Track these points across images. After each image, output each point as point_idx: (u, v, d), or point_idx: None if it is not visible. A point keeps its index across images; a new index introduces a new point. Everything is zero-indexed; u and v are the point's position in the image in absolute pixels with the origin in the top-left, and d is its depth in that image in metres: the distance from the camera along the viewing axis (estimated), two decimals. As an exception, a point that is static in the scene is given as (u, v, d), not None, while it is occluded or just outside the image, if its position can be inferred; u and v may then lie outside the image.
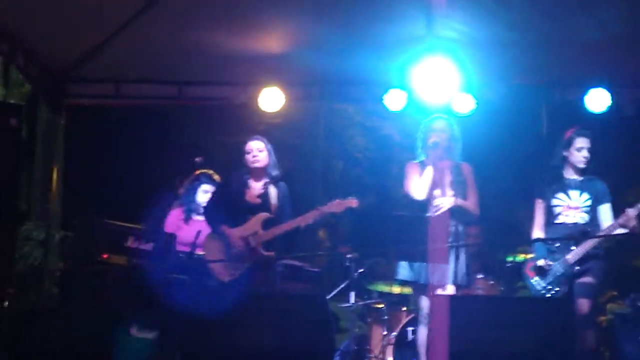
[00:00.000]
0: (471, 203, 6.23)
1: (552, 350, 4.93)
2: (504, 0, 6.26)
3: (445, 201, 6.07)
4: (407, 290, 7.74)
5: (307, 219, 6.47)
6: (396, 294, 7.87)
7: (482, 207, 6.29)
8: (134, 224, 6.36)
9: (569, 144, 6.42)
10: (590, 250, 6.22)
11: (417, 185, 6.22)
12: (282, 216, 6.62)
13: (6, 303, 6.01)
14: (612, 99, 7.17)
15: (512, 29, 6.46)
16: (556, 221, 6.37)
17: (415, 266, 6.10)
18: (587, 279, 6.23)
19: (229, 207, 6.60)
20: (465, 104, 7.58)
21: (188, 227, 7.01)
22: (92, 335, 5.18)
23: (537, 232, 6.46)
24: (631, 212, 6.09)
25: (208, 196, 7.05)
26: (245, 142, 6.78)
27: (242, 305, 5.28)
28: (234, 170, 6.81)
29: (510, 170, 10.90)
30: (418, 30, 6.59)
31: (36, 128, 10.60)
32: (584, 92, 7.23)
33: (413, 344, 7.30)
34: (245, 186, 6.66)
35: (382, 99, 7.50)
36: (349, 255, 7.61)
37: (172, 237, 6.54)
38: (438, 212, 6.04)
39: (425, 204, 6.15)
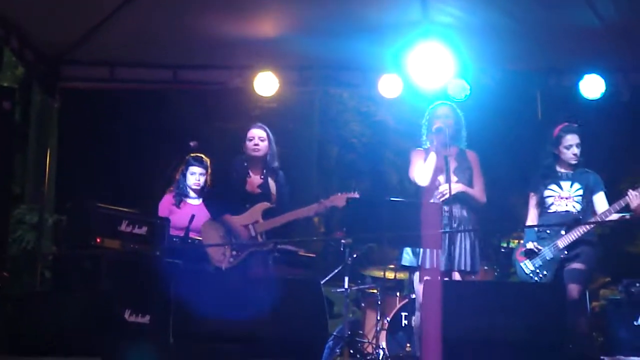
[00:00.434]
0: (477, 190, 6.24)
1: (545, 335, 4.94)
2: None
3: (450, 187, 6.02)
4: (401, 275, 7.76)
5: (309, 211, 6.49)
6: (390, 279, 7.88)
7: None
8: (128, 208, 6.35)
9: (557, 142, 6.45)
10: (582, 236, 6.25)
11: (421, 171, 6.22)
12: (281, 206, 6.65)
13: (-1, 286, 6.02)
14: (607, 85, 7.16)
15: (507, 15, 6.45)
16: (549, 210, 6.42)
17: (419, 252, 6.11)
18: (577, 265, 6.27)
19: (230, 195, 6.61)
20: (460, 90, 7.56)
21: (180, 211, 7.00)
22: (85, 319, 5.18)
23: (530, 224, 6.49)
24: (633, 192, 6.12)
25: (196, 177, 7.04)
26: (247, 129, 6.77)
27: (237, 290, 5.30)
28: (234, 157, 6.81)
29: (505, 156, 10.90)
30: (413, 16, 6.58)
31: (30, 111, 10.56)
32: (579, 78, 7.22)
33: (407, 329, 7.34)
34: (246, 175, 6.67)
35: (376, 85, 7.47)
36: (343, 241, 7.61)
37: (166, 220, 6.54)
38: (442, 199, 6.04)
39: (421, 190, 6.15)
